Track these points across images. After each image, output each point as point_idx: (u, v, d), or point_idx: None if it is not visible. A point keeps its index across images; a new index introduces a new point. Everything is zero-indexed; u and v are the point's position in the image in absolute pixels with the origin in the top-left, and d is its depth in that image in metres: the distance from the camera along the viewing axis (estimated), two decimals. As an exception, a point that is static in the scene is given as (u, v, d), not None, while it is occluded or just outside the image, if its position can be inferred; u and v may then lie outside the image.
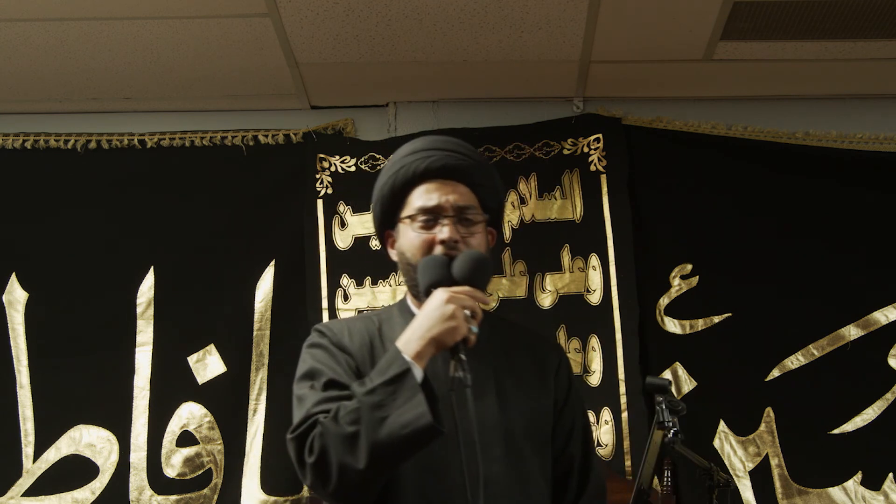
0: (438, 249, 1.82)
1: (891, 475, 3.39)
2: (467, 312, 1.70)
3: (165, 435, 3.53)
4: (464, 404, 1.65)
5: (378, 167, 3.68)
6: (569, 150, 3.66)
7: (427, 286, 1.76)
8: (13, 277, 3.65)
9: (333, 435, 1.64)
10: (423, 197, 1.87)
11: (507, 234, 3.59)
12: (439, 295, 1.71)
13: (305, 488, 3.45)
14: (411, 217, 1.87)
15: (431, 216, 1.85)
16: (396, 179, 1.90)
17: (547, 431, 1.90)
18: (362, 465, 1.61)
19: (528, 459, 1.83)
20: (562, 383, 1.96)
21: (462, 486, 1.65)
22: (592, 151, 3.64)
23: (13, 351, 3.60)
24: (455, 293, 1.71)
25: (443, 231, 1.83)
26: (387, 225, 1.95)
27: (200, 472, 3.52)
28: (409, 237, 1.87)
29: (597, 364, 3.47)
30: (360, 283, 3.60)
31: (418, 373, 1.66)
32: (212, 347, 3.59)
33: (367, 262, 3.61)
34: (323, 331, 1.91)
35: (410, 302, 1.93)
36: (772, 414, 3.46)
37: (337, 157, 3.71)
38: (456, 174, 1.89)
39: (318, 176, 3.70)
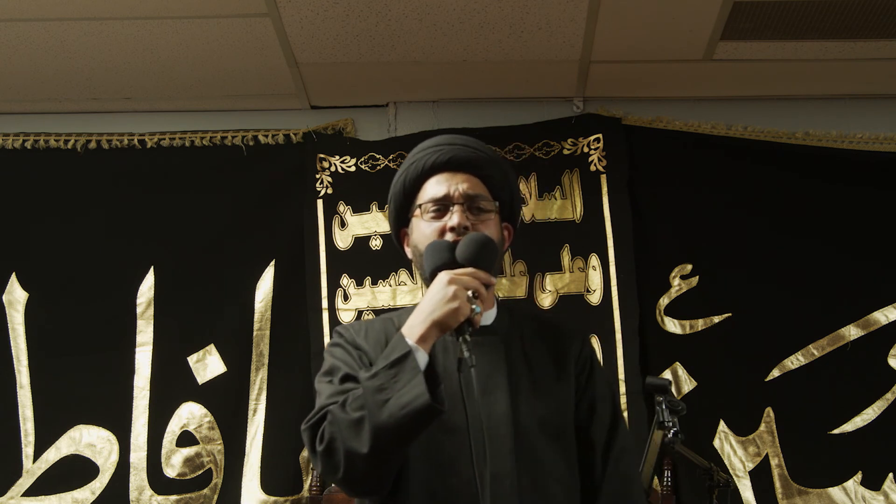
0: (449, 236, 1.84)
1: (891, 475, 3.40)
2: (470, 293, 1.69)
3: (165, 435, 3.53)
4: (471, 394, 1.65)
5: (378, 167, 3.68)
6: (569, 150, 3.66)
7: (431, 270, 1.77)
8: (13, 277, 3.65)
9: (340, 421, 1.65)
10: (432, 188, 1.90)
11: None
12: (441, 277, 1.71)
13: (305, 488, 3.46)
14: (422, 208, 1.89)
15: (441, 206, 1.87)
16: (408, 176, 1.93)
17: (570, 422, 1.88)
18: (366, 450, 1.62)
19: (544, 454, 1.81)
20: (583, 368, 1.94)
21: (470, 481, 1.65)
22: (592, 151, 3.64)
23: (13, 351, 3.61)
24: (457, 275, 1.71)
25: (452, 218, 1.84)
26: (401, 223, 1.97)
27: (200, 472, 3.52)
28: (420, 228, 1.89)
29: (597, 364, 3.47)
30: (360, 283, 3.60)
31: (421, 356, 1.66)
32: (212, 347, 3.59)
33: (367, 262, 3.62)
34: (341, 332, 1.92)
35: None
36: (772, 414, 3.46)
37: (337, 157, 3.71)
38: (465, 166, 1.91)
39: (318, 176, 3.70)
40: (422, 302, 1.72)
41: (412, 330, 1.69)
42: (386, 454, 1.65)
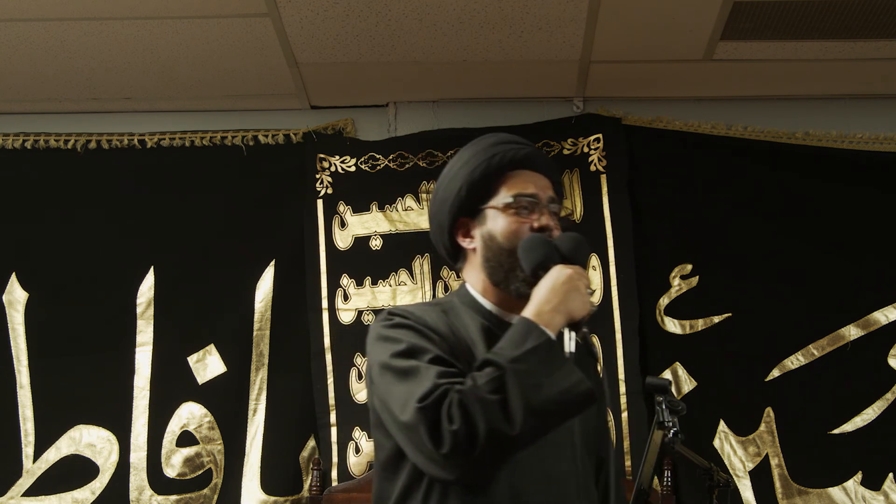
0: None
1: (891, 475, 3.39)
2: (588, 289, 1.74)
3: (165, 435, 3.53)
4: (602, 389, 1.72)
5: (378, 167, 3.68)
6: (569, 150, 3.66)
7: (538, 262, 1.77)
8: (13, 277, 3.65)
9: (478, 402, 1.61)
10: (519, 185, 1.87)
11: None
12: (562, 271, 1.73)
13: (305, 488, 3.46)
14: (507, 204, 1.86)
15: (529, 204, 1.86)
16: (491, 165, 1.88)
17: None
18: (516, 431, 1.60)
19: (587, 462, 1.89)
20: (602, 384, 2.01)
21: (567, 476, 1.76)
22: (592, 151, 3.64)
23: (13, 351, 3.61)
24: (576, 272, 1.74)
25: (541, 219, 1.85)
26: (464, 212, 1.91)
27: (200, 472, 3.52)
28: (502, 222, 1.86)
29: (597, 364, 3.47)
30: (360, 283, 3.60)
31: (566, 344, 1.69)
32: (212, 347, 3.59)
33: (367, 262, 3.62)
34: (404, 314, 1.84)
35: (475, 292, 1.90)
36: (772, 414, 3.46)
37: (337, 157, 3.71)
38: (546, 168, 1.92)
39: (318, 176, 3.70)
40: (546, 290, 1.71)
41: (541, 317, 1.69)
42: (533, 437, 1.65)
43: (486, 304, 1.87)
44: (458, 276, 2.00)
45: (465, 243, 1.91)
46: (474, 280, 1.90)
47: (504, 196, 1.86)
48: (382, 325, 1.82)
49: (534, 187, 1.87)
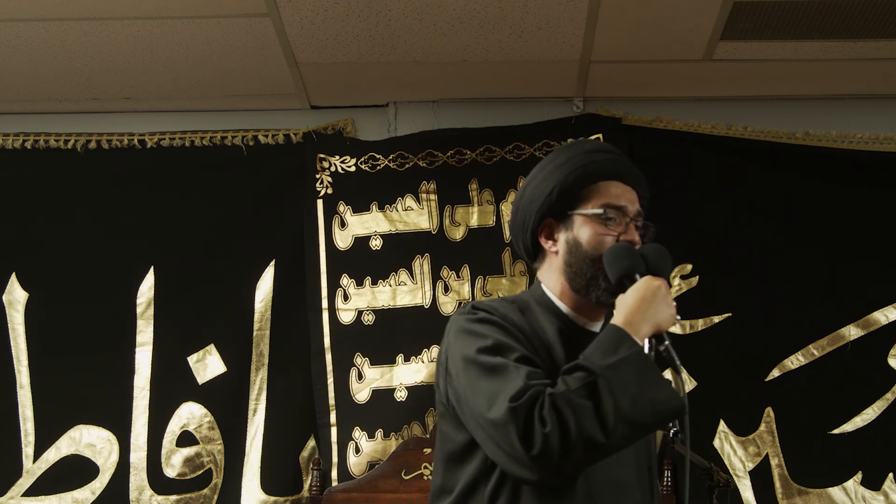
0: None
1: (891, 475, 3.40)
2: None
3: (165, 435, 3.54)
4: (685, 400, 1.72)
5: (378, 167, 3.68)
6: (569, 150, 3.66)
7: (625, 272, 1.78)
8: (13, 277, 3.65)
9: (573, 407, 1.61)
10: (611, 195, 1.88)
11: (507, 233, 3.59)
12: (652, 282, 1.74)
13: (305, 488, 3.46)
14: (597, 214, 1.86)
15: (617, 216, 1.87)
16: (587, 171, 1.88)
17: None
18: (605, 439, 1.61)
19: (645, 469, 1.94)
20: None
21: (632, 482, 1.79)
22: (592, 151, 3.63)
23: (13, 351, 3.61)
24: (662, 281, 1.76)
25: (630, 233, 1.86)
26: (552, 214, 1.91)
27: (200, 472, 3.52)
28: (589, 231, 1.86)
29: (597, 364, 3.47)
30: (360, 283, 3.60)
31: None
32: (212, 347, 3.60)
33: (367, 262, 3.62)
34: (488, 310, 1.84)
35: (552, 294, 1.90)
36: (772, 414, 3.46)
37: (337, 157, 3.71)
38: (635, 181, 1.93)
39: (318, 176, 3.70)
40: (635, 300, 1.73)
41: (633, 327, 1.70)
42: (622, 446, 1.67)
43: (563, 307, 1.87)
44: (532, 276, 2.00)
45: (547, 245, 1.91)
46: (552, 282, 1.90)
47: (594, 205, 1.87)
48: (467, 318, 1.81)
49: (624, 200, 1.88)
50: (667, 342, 1.72)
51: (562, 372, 1.67)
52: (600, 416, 1.60)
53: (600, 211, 1.86)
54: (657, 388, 1.65)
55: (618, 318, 1.72)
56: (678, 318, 1.75)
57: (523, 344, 1.76)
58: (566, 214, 1.88)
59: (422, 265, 3.60)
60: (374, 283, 3.60)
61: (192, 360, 3.59)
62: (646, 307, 1.72)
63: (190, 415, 3.55)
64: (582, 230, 1.86)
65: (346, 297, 3.60)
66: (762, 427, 3.46)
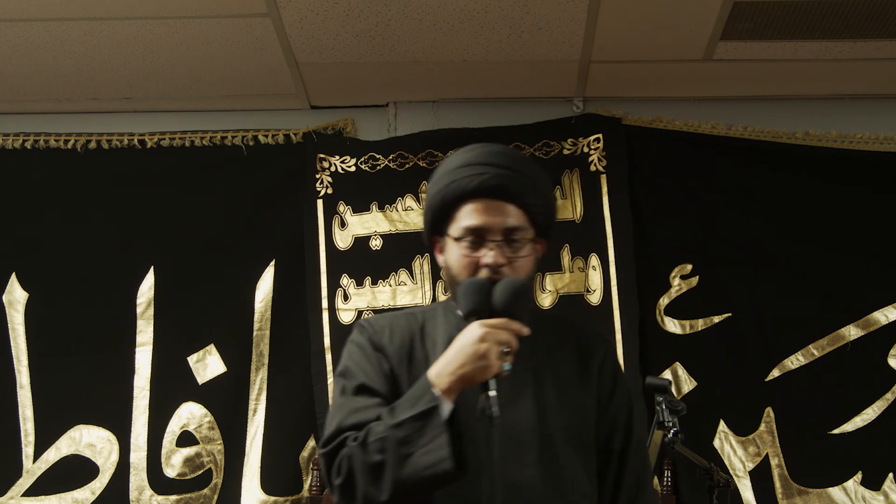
0: (483, 272, 1.80)
1: (891, 475, 3.40)
2: (504, 348, 1.68)
3: (165, 435, 3.54)
4: (491, 453, 1.69)
5: (378, 167, 3.68)
6: (569, 150, 3.66)
7: (466, 313, 1.75)
8: (13, 277, 3.65)
9: (360, 463, 1.69)
10: (470, 217, 1.83)
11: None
12: (474, 331, 1.69)
13: (305, 488, 3.46)
14: (457, 238, 1.84)
15: (478, 238, 1.82)
16: (447, 193, 1.85)
17: (591, 430, 1.88)
18: (385, 498, 1.66)
19: (569, 462, 1.82)
20: (605, 379, 1.92)
21: (491, 491, 1.70)
22: (592, 151, 3.64)
23: (13, 351, 3.61)
24: (491, 328, 1.69)
25: (488, 255, 1.80)
26: (435, 231, 1.92)
27: (200, 472, 3.52)
28: (454, 255, 1.84)
29: (597, 364, 3.47)
30: (360, 283, 3.60)
31: (446, 409, 1.67)
32: (212, 347, 3.60)
33: (367, 262, 3.62)
34: (365, 327, 1.90)
35: (453, 301, 1.91)
36: (772, 414, 3.46)
37: (337, 157, 3.71)
38: (507, 194, 1.84)
39: (318, 176, 3.70)
40: (453, 350, 1.71)
41: (439, 379, 1.68)
42: (406, 500, 1.69)
43: (461, 312, 1.84)
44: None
45: (439, 260, 1.92)
46: None
47: (456, 227, 1.85)
48: (349, 336, 1.93)
49: (486, 219, 1.82)
50: (491, 392, 1.65)
51: (387, 410, 1.72)
52: (379, 475, 1.67)
53: (458, 235, 1.83)
54: (429, 451, 1.64)
55: (432, 369, 1.72)
56: (506, 367, 1.67)
57: (375, 367, 1.83)
58: (443, 233, 1.89)
59: (422, 265, 3.60)
60: (374, 283, 3.60)
61: (192, 360, 3.59)
62: (453, 358, 1.69)
63: (190, 415, 3.55)
64: (450, 252, 1.87)
65: (346, 297, 3.60)
66: (762, 427, 3.46)
